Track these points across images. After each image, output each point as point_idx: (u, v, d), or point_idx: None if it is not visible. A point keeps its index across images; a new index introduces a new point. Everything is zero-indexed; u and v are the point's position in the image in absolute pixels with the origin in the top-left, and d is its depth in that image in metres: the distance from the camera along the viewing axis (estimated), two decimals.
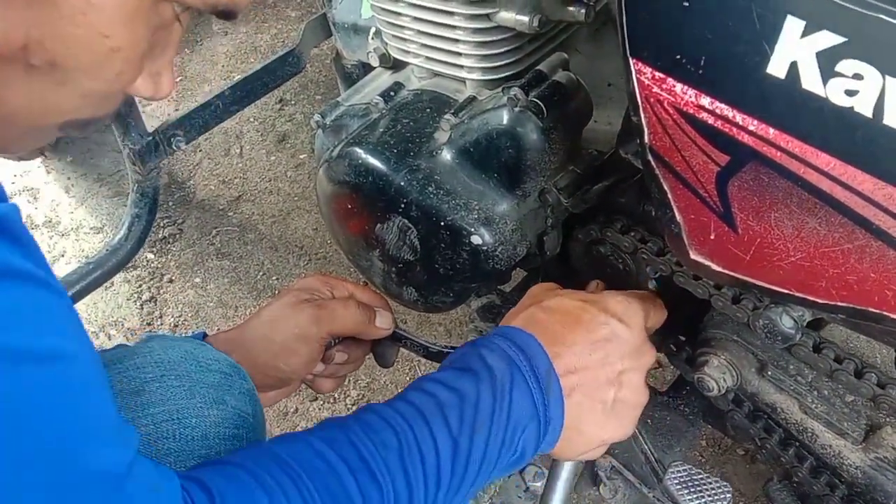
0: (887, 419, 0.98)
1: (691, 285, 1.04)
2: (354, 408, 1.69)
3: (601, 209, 1.12)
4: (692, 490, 0.90)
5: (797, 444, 1.10)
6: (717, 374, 1.03)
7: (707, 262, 0.84)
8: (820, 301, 0.78)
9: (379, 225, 1.13)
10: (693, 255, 0.85)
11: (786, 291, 0.80)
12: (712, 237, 0.82)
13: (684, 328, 1.16)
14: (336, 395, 1.71)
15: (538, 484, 1.14)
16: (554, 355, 0.87)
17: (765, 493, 1.24)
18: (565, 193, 1.06)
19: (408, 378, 1.74)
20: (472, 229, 1.05)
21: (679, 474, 0.89)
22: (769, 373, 1.02)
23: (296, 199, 2.10)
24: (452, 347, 1.15)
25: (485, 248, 1.06)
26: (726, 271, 0.84)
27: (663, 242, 1.05)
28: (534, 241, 1.12)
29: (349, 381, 1.73)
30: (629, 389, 0.91)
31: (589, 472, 1.26)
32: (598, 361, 0.89)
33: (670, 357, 1.17)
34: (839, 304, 0.76)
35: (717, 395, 1.04)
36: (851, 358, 0.98)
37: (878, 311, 0.74)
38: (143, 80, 0.58)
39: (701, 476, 0.89)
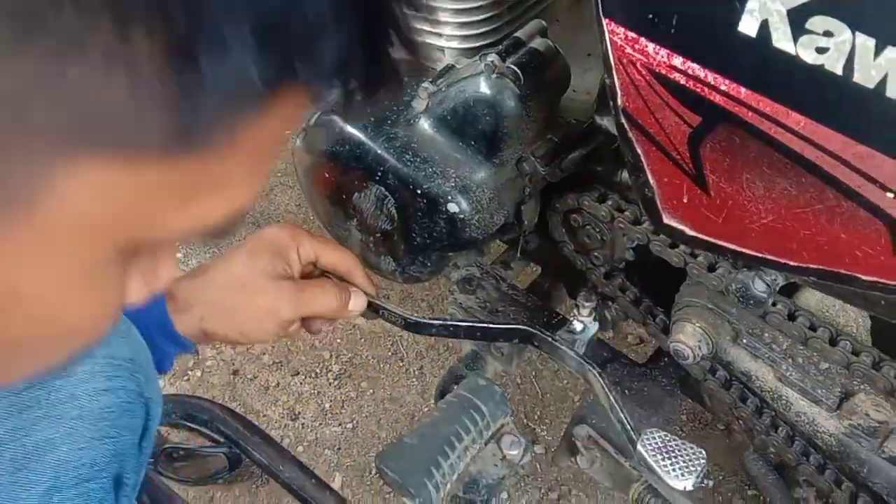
0: (861, 386, 0.99)
1: (667, 253, 1.04)
2: (336, 382, 1.70)
3: (579, 179, 1.12)
4: (666, 456, 0.90)
5: (772, 412, 1.10)
6: (692, 342, 1.03)
7: (680, 226, 0.84)
8: (792, 263, 0.78)
9: (356, 194, 1.12)
10: (667, 220, 0.85)
11: (758, 254, 0.80)
12: (685, 200, 0.82)
13: (661, 298, 1.16)
14: (318, 371, 1.71)
15: (515, 452, 1.14)
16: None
17: (741, 463, 1.25)
18: (542, 162, 1.06)
19: (390, 353, 1.74)
20: (449, 197, 1.05)
21: (653, 441, 0.89)
22: (744, 341, 1.02)
23: (279, 174, 2.09)
24: (433, 319, 1.15)
25: (462, 216, 1.06)
26: (699, 235, 0.84)
27: (640, 210, 1.05)
28: (511, 211, 1.12)
29: (331, 356, 1.73)
30: None
31: (567, 443, 1.26)
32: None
33: (647, 326, 1.18)
34: (811, 266, 0.77)
35: (691, 362, 1.04)
36: (826, 326, 0.98)
37: (849, 272, 0.74)
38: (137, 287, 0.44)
39: (675, 442, 0.90)
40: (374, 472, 1.59)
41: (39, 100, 0.30)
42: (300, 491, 1.16)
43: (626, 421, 1.06)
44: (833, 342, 0.98)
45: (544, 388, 1.72)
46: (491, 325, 1.17)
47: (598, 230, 1.13)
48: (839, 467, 1.04)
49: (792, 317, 0.99)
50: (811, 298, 1.04)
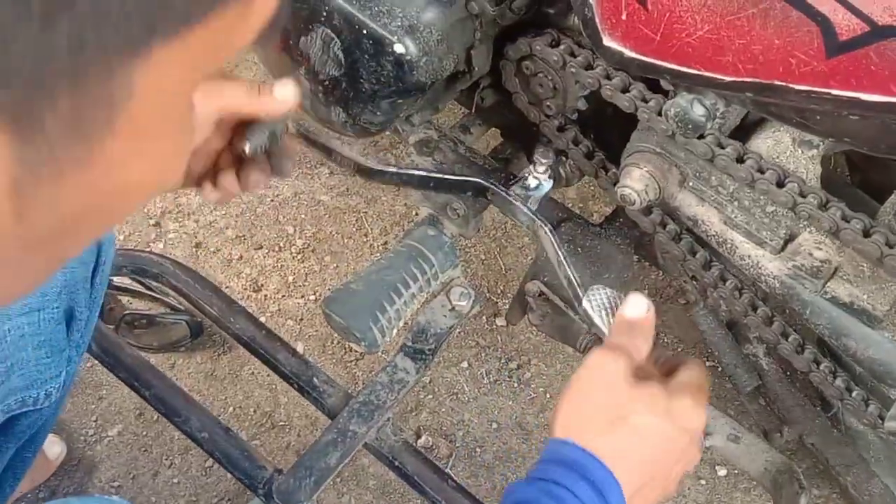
0: (806, 227, 0.98)
1: (618, 98, 1.02)
2: (300, 256, 1.69)
3: (531, 25, 1.09)
4: (610, 311, 0.89)
5: (720, 265, 1.10)
6: (639, 186, 1.02)
7: (620, 48, 0.82)
8: (727, 79, 0.76)
9: (303, 38, 1.10)
10: (606, 41, 0.83)
11: (695, 71, 0.78)
12: (623, 17, 0.79)
13: (614, 153, 1.15)
14: (281, 244, 1.70)
15: (464, 303, 1.14)
16: (631, 496, 0.75)
17: (691, 318, 1.26)
18: (492, 2, 1.03)
19: (354, 229, 1.73)
20: (395, 38, 1.03)
21: (598, 297, 0.89)
22: (691, 184, 1.01)
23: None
24: (387, 165, 1.12)
25: (409, 57, 1.03)
26: (639, 56, 0.82)
27: (592, 55, 1.03)
28: (461, 56, 1.09)
29: (294, 230, 1.72)
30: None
31: (519, 300, 1.27)
32: (666, 485, 0.79)
33: (599, 180, 1.16)
34: (746, 79, 0.75)
35: (639, 207, 1.04)
36: (774, 168, 0.97)
37: (783, 82, 0.73)
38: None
39: (620, 299, 0.89)
40: (336, 341, 1.60)
41: None
42: (251, 342, 1.16)
43: (572, 277, 1.06)
44: (780, 184, 0.97)
45: (508, 265, 1.71)
46: (445, 176, 1.16)
47: (550, 77, 1.11)
48: (783, 311, 1.04)
49: (740, 160, 0.98)
50: (762, 145, 1.03)
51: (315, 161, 1.82)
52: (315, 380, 1.14)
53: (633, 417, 0.74)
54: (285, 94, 0.79)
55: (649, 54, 0.80)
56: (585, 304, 0.91)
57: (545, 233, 1.10)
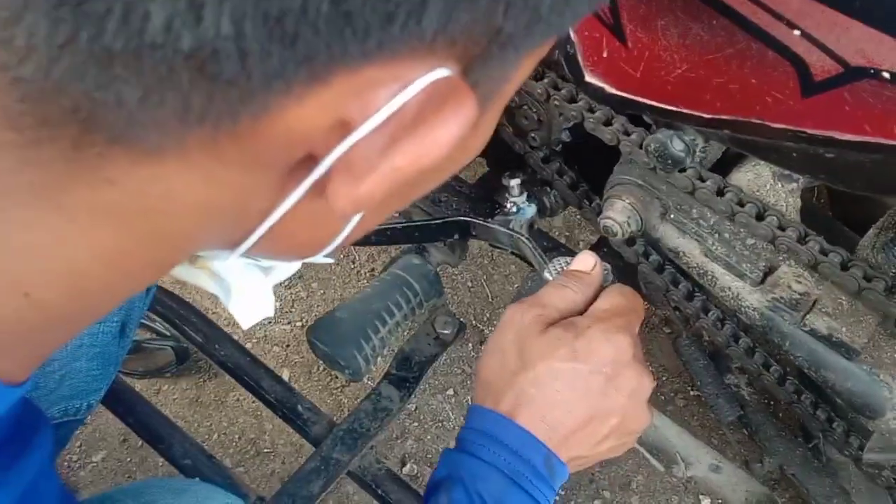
0: (785, 261, 1.00)
1: (600, 131, 1.04)
2: (287, 282, 1.70)
3: None
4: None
5: (703, 296, 1.12)
6: (621, 218, 1.03)
7: (601, 84, 0.84)
8: (706, 116, 0.78)
9: None
10: (588, 77, 0.85)
11: (675, 108, 0.80)
12: (605, 54, 0.81)
13: (597, 184, 1.16)
14: None
15: (448, 332, 1.15)
16: (556, 446, 0.71)
17: (674, 349, 1.27)
18: None
19: (341, 255, 1.74)
20: None
21: (558, 265, 0.87)
22: (672, 216, 1.03)
23: None
24: None
25: None
26: (619, 93, 0.83)
27: (575, 89, 1.05)
28: None
29: None
30: (626, 434, 0.76)
31: None
32: (598, 440, 0.74)
33: (583, 211, 1.18)
34: (724, 116, 0.76)
35: (621, 239, 1.05)
36: (754, 202, 0.99)
37: (759, 120, 0.74)
38: None
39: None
40: (322, 368, 1.60)
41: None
42: (235, 369, 1.16)
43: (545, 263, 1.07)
44: (760, 217, 0.98)
45: (494, 292, 1.72)
46: (426, 223, 1.18)
47: (534, 110, 1.12)
48: (763, 342, 1.05)
49: (720, 193, 0.99)
50: (742, 179, 1.04)
51: None
52: (299, 407, 1.14)
53: (533, 369, 0.70)
54: None
55: (630, 91, 0.82)
56: (546, 275, 0.88)
57: (525, 243, 1.11)
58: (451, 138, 0.33)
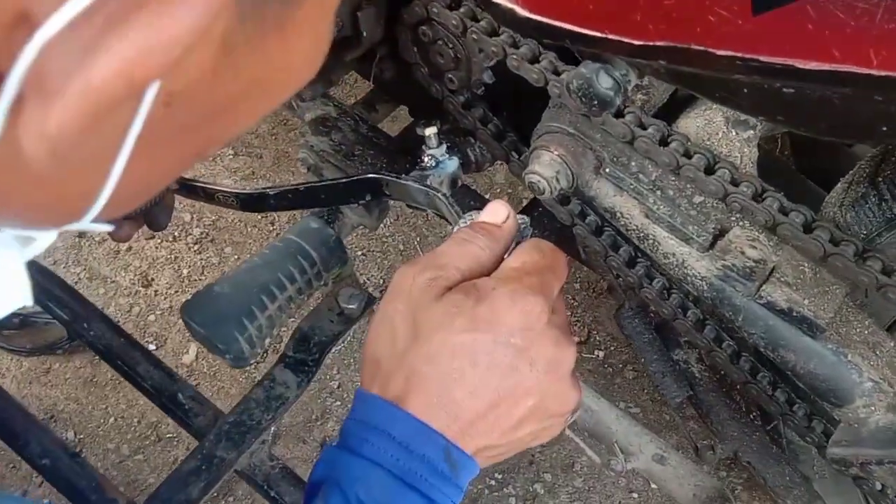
0: (738, 221, 0.85)
1: (525, 69, 0.87)
2: (197, 247, 1.53)
3: None
4: None
5: (646, 262, 0.97)
6: (549, 173, 0.88)
7: (511, 5, 0.67)
8: (637, 43, 0.62)
9: None
10: None
11: (597, 34, 0.64)
12: None
13: (527, 132, 1.00)
14: (176, 234, 1.54)
15: (353, 306, 0.99)
16: (458, 436, 0.58)
17: (615, 320, 1.12)
18: None
19: (259, 216, 1.57)
20: None
21: (470, 218, 0.72)
22: (607, 170, 0.87)
23: None
24: (267, 188, 0.99)
25: None
26: (532, 15, 0.67)
27: (496, 22, 0.88)
28: (347, 19, 0.94)
29: (192, 218, 1.56)
30: (548, 416, 0.62)
31: None
32: (513, 425, 0.60)
33: (511, 165, 1.02)
34: (658, 43, 0.61)
35: (549, 197, 0.89)
36: (702, 152, 0.83)
37: (700, 46, 0.58)
38: None
39: None
40: None
41: None
42: (106, 351, 1.00)
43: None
44: (709, 170, 0.83)
45: None
46: (333, 182, 1.01)
47: (450, 45, 0.96)
48: (713, 316, 0.91)
49: (664, 142, 0.84)
50: (691, 125, 0.89)
51: None
52: (180, 396, 0.98)
53: (426, 344, 0.57)
54: None
55: (544, 13, 0.66)
56: (456, 229, 0.74)
57: (441, 200, 0.95)
58: (184, 32, 0.26)
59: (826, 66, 0.54)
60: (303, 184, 1.05)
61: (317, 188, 1.02)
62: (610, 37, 0.63)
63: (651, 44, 0.61)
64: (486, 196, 1.58)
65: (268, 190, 1.00)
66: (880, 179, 0.85)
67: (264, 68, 0.34)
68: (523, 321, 0.57)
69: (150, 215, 0.80)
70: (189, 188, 0.99)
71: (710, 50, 0.58)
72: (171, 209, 0.84)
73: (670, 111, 0.92)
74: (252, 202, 1.01)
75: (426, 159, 0.99)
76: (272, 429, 0.97)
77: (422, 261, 0.61)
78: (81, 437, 1.34)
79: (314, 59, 0.37)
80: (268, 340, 0.93)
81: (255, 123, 0.40)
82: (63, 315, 1.02)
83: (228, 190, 1.00)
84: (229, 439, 0.94)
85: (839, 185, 0.93)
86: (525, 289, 0.58)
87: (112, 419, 1.36)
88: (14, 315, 1.35)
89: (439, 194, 0.95)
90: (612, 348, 1.48)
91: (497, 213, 0.65)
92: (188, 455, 0.93)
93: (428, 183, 0.99)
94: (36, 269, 1.06)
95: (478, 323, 0.56)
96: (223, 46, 0.30)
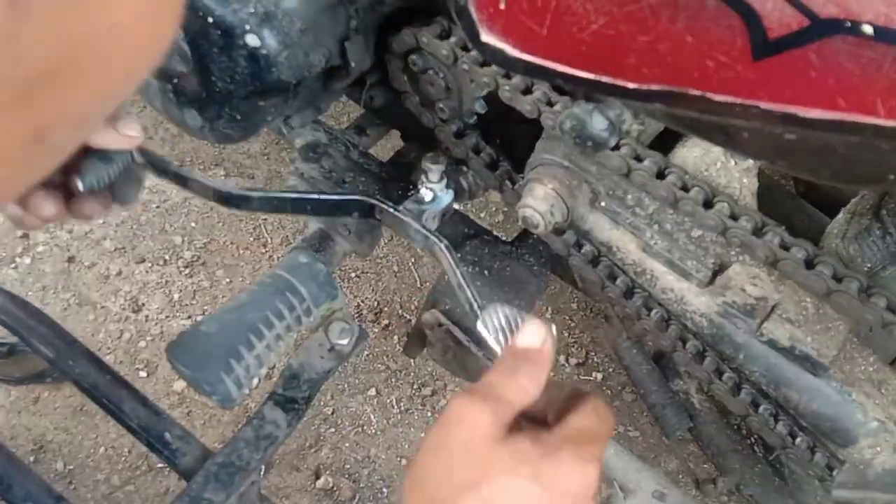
0: (738, 257, 0.82)
1: (518, 100, 0.85)
2: (188, 271, 1.50)
3: (419, 13, 0.92)
4: (509, 335, 0.71)
5: (645, 293, 0.94)
6: (543, 207, 0.85)
7: (500, 45, 0.65)
8: (632, 86, 0.59)
9: None
10: (485, 36, 0.66)
11: (593, 76, 0.61)
12: (502, 5, 0.62)
13: (521, 162, 0.98)
14: (167, 257, 1.51)
15: (344, 342, 0.97)
16: None
17: (614, 351, 1.10)
18: None
19: (251, 238, 1.55)
20: (248, 27, 0.84)
21: (496, 317, 0.70)
22: (602, 203, 0.85)
23: None
24: (251, 190, 0.95)
25: (265, 51, 0.85)
26: (523, 56, 0.64)
27: (486, 59, 0.86)
28: (334, 49, 0.91)
29: (183, 241, 1.53)
30: None
31: (417, 332, 1.10)
32: None
33: (504, 194, 1.00)
34: (653, 87, 0.58)
35: (544, 231, 0.87)
36: (700, 185, 0.81)
37: (699, 92, 0.56)
38: None
39: (522, 319, 0.71)
40: None
41: None
42: (92, 389, 0.98)
43: (473, 301, 0.89)
44: (708, 204, 0.81)
45: (423, 276, 1.54)
46: (322, 197, 0.98)
47: (441, 75, 0.93)
48: (719, 354, 0.88)
49: (661, 174, 0.81)
50: (688, 155, 0.86)
51: (209, 161, 1.63)
52: (167, 435, 0.96)
53: (487, 485, 0.57)
54: (129, 132, 0.69)
55: (536, 53, 0.63)
56: (480, 325, 0.73)
57: (442, 251, 0.93)
58: None
59: (830, 115, 0.52)
60: (291, 192, 1.02)
61: (305, 199, 0.99)
62: (604, 80, 0.61)
63: (646, 87, 0.59)
64: (481, 216, 1.56)
65: (251, 191, 0.97)
66: (884, 212, 0.82)
67: (81, 26, 0.32)
68: (581, 488, 0.58)
69: (115, 189, 0.75)
70: (160, 167, 0.92)
71: (709, 95, 0.56)
72: (140, 183, 0.79)
73: (667, 140, 0.89)
74: (229, 198, 0.96)
75: (424, 192, 0.97)
76: (262, 469, 0.94)
77: (479, 392, 0.60)
78: (71, 467, 1.32)
79: (155, 14, 0.35)
80: (256, 380, 0.91)
81: (112, 99, 0.38)
82: (48, 353, 0.99)
83: (206, 182, 0.94)
84: (218, 481, 0.91)
85: (841, 214, 0.90)
86: (588, 456, 0.58)
87: (102, 449, 1.33)
88: (1, 344, 1.32)
89: (441, 245, 0.91)
90: (611, 370, 1.45)
91: (536, 335, 0.64)
92: (175, 498, 0.91)
93: (424, 221, 0.96)
94: (19, 305, 1.04)
95: (541, 477, 0.56)
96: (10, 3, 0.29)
